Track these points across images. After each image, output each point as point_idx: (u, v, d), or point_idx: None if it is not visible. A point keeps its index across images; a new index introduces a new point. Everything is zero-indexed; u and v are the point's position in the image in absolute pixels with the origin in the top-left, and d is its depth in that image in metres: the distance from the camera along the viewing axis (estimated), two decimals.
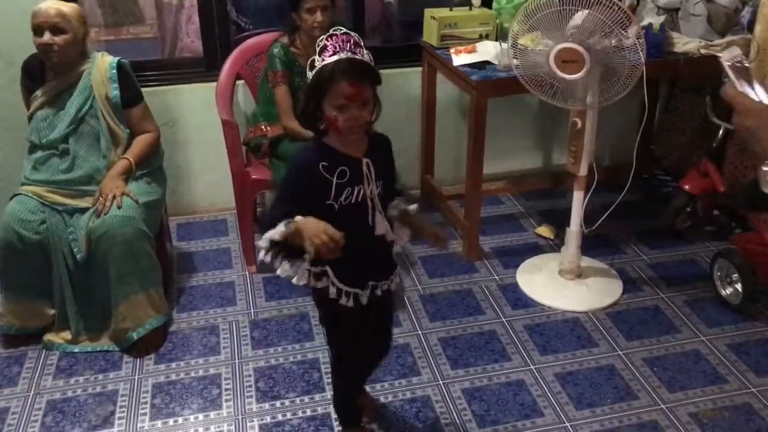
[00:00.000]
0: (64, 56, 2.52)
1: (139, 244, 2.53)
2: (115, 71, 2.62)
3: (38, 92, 2.60)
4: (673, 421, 2.32)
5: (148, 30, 5.14)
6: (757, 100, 1.16)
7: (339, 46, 1.67)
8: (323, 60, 1.67)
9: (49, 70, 2.60)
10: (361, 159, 1.76)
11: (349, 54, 1.67)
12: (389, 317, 2.13)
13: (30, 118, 2.61)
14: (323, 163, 1.72)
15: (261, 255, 1.76)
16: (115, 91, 2.62)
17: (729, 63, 1.22)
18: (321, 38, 1.69)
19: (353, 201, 1.76)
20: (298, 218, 1.69)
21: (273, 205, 1.79)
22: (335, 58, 1.66)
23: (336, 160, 1.73)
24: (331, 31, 1.69)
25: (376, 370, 2.30)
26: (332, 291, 1.84)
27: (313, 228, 1.66)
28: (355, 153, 1.76)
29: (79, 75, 2.59)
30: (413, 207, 1.96)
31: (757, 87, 1.18)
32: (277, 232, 1.70)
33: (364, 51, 1.70)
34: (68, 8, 2.51)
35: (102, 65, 2.62)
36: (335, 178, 1.73)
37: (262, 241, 1.73)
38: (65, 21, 2.49)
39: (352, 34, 1.70)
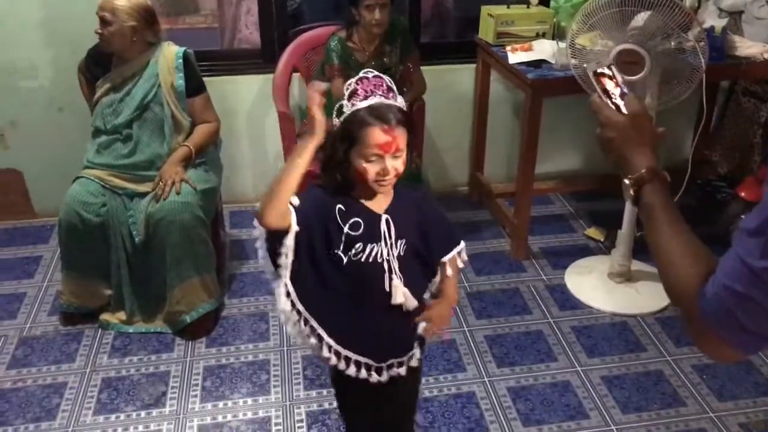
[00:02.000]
0: (111, 45, 2.61)
1: (196, 230, 2.60)
2: (181, 61, 2.69)
3: (104, 78, 2.68)
4: (722, 430, 2.29)
5: (203, 20, 5.23)
6: (618, 112, 1.15)
7: (371, 90, 1.50)
8: (353, 105, 1.49)
9: (116, 58, 2.68)
10: (379, 215, 1.56)
11: (382, 99, 1.50)
12: (408, 402, 1.85)
13: (95, 103, 2.70)
14: (340, 206, 1.53)
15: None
16: (180, 80, 2.69)
17: (593, 71, 1.20)
18: (350, 81, 1.52)
19: (364, 259, 1.55)
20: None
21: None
22: (366, 103, 1.49)
23: (353, 209, 1.54)
24: (361, 74, 1.52)
25: None
26: (333, 359, 1.61)
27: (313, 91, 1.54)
28: (375, 207, 1.57)
29: (145, 63, 2.66)
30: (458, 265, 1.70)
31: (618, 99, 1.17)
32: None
33: (398, 96, 1.53)
34: (122, 2, 2.57)
35: (168, 54, 2.69)
36: (347, 227, 1.53)
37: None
38: (112, 14, 2.55)
39: (385, 77, 1.53)
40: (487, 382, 2.48)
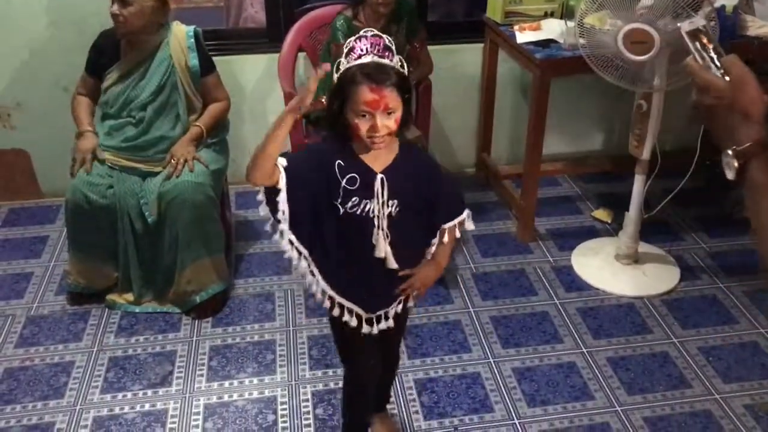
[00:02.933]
0: (130, 26, 2.57)
1: (208, 211, 2.60)
2: (193, 40, 2.68)
3: (114, 67, 2.65)
4: (727, 412, 2.29)
5: None
6: (719, 76, 1.02)
7: (367, 48, 1.55)
8: (348, 63, 1.55)
9: (125, 44, 2.65)
10: (375, 174, 1.63)
11: (376, 58, 1.54)
12: (396, 336, 1.99)
13: (105, 90, 2.68)
14: (340, 162, 1.61)
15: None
16: (194, 60, 2.67)
17: (687, 31, 1.10)
18: (349, 39, 1.58)
19: (359, 213, 1.63)
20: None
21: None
22: (360, 61, 1.54)
23: (352, 165, 1.62)
24: (361, 33, 1.57)
25: (386, 378, 2.12)
26: (327, 303, 1.74)
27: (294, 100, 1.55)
28: (374, 164, 1.63)
29: (157, 45, 2.64)
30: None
31: (716, 60, 1.06)
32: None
33: (395, 56, 1.57)
34: None
35: (179, 34, 2.67)
36: (344, 182, 1.60)
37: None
38: None
39: (384, 36, 1.57)
40: (493, 363, 2.48)
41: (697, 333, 2.64)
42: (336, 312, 1.75)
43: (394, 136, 1.60)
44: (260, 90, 3.41)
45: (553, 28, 3.02)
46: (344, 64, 1.56)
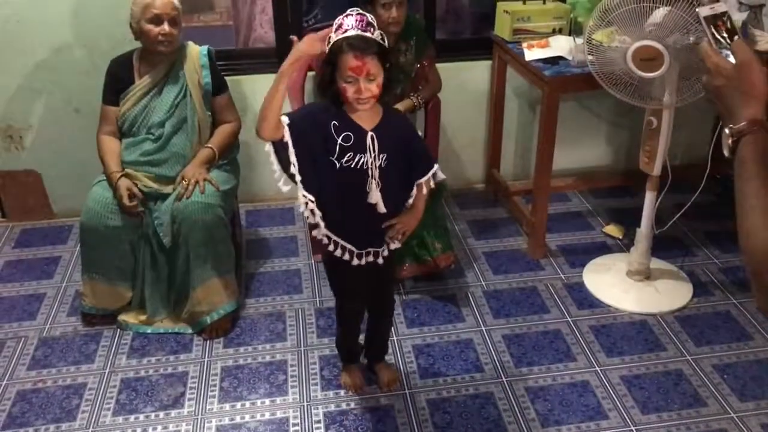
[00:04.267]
0: (174, 45, 2.62)
1: (218, 231, 2.61)
2: (206, 58, 2.71)
3: (130, 90, 2.67)
4: (743, 430, 2.27)
5: (217, 18, 5.23)
6: (728, 60, 1.11)
7: (352, 24, 1.83)
8: (336, 36, 1.84)
9: (140, 67, 2.68)
10: (366, 131, 1.92)
11: (359, 32, 1.82)
12: (385, 278, 2.27)
13: (123, 114, 2.69)
14: (335, 122, 1.90)
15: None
16: (207, 78, 2.70)
17: (705, 16, 1.16)
18: (338, 17, 1.85)
19: (353, 166, 1.92)
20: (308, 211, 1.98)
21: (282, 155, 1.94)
22: (347, 34, 1.82)
23: (345, 124, 1.91)
24: (347, 11, 1.84)
25: (382, 327, 2.41)
26: (324, 239, 2.04)
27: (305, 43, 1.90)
28: (364, 124, 1.93)
29: (173, 63, 2.68)
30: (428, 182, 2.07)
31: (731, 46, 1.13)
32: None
33: (376, 31, 1.85)
34: (177, 0, 2.61)
35: (193, 53, 2.71)
36: (340, 139, 1.90)
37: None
38: (179, 14, 2.61)
39: (367, 14, 1.85)
40: (506, 383, 2.47)
41: (711, 350, 2.62)
42: (331, 248, 2.05)
43: (377, 101, 1.90)
44: None
45: (561, 45, 3.03)
46: (333, 37, 1.85)
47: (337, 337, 2.48)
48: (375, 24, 1.86)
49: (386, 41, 1.90)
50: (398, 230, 2.09)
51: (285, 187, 1.98)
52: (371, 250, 2.09)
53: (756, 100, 1.07)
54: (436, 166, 2.07)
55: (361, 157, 1.92)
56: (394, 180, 2.01)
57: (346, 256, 2.07)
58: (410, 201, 2.09)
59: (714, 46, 1.14)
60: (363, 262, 2.08)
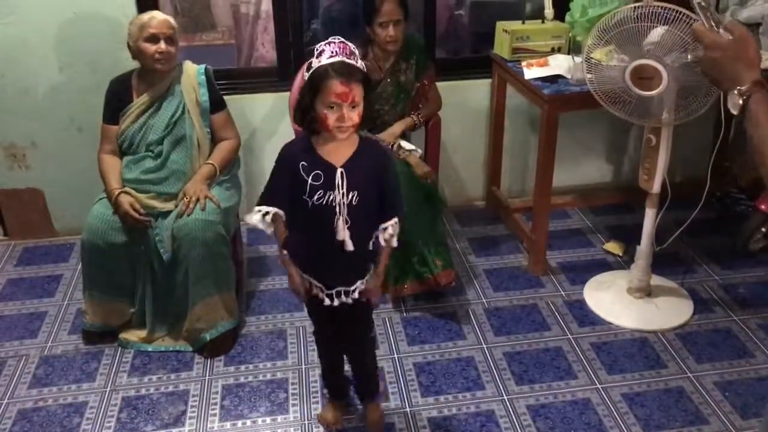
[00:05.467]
0: (171, 63, 2.67)
1: (218, 248, 2.61)
2: (203, 77, 2.75)
3: (129, 108, 2.70)
4: None
5: (219, 37, 5.27)
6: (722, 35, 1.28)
7: (336, 51, 1.79)
8: (320, 62, 1.79)
9: (138, 86, 2.71)
10: (335, 168, 1.87)
11: (344, 58, 1.79)
12: (357, 317, 2.17)
13: (122, 132, 2.72)
14: (303, 162, 1.87)
15: (250, 219, 1.93)
16: (204, 96, 2.73)
17: (698, 2, 1.34)
18: (319, 44, 1.82)
19: (324, 203, 1.88)
20: (286, 255, 2.00)
21: (264, 189, 1.95)
22: (331, 60, 1.78)
23: (315, 163, 1.87)
24: (330, 39, 1.82)
25: (360, 365, 2.31)
26: (297, 278, 2.02)
27: (291, 279, 2.03)
28: (333, 159, 1.88)
29: (170, 82, 2.71)
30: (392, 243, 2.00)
31: (721, 28, 1.30)
32: (255, 219, 1.91)
33: (358, 59, 1.83)
34: (172, 19, 2.67)
35: (191, 71, 2.75)
36: (310, 179, 1.86)
37: (250, 217, 1.94)
38: (175, 33, 2.65)
39: (349, 43, 1.82)
40: (507, 400, 2.47)
41: (713, 367, 2.62)
42: (307, 284, 2.03)
43: (355, 130, 1.85)
44: (271, 128, 3.45)
45: (560, 64, 3.05)
46: (316, 63, 1.80)
47: (321, 368, 2.40)
48: (357, 54, 1.83)
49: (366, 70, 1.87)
50: (373, 302, 2.12)
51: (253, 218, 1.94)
52: (341, 289, 2.02)
53: (755, 66, 1.26)
54: (394, 219, 1.97)
55: (330, 194, 1.87)
56: (364, 217, 1.93)
57: (320, 294, 2.03)
58: (371, 268, 2.05)
59: (707, 26, 1.31)
60: (335, 303, 2.02)
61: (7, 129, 3.27)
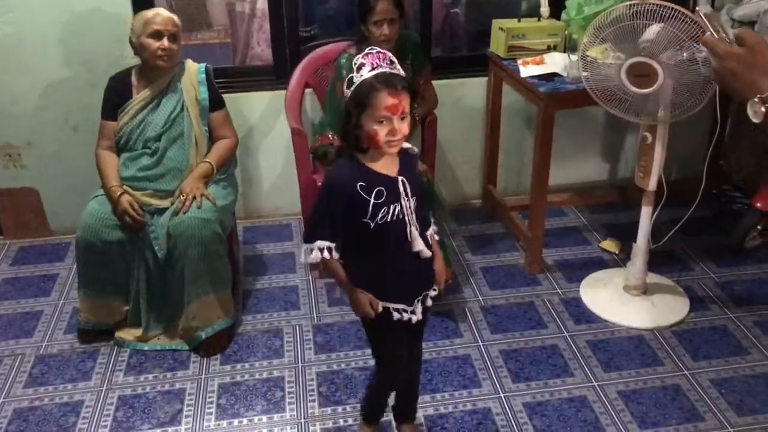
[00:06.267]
0: (173, 61, 2.67)
1: (214, 247, 2.61)
2: (204, 75, 2.75)
3: (128, 105, 2.70)
4: None
5: (215, 36, 5.26)
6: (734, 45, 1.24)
7: (376, 62, 1.70)
8: (362, 76, 1.70)
9: (139, 82, 2.71)
10: (396, 178, 1.79)
11: (387, 69, 1.70)
12: (420, 331, 2.10)
13: (120, 128, 2.71)
14: (361, 183, 1.75)
15: (309, 258, 1.82)
16: (204, 94, 2.74)
17: (704, 13, 1.31)
18: (357, 57, 1.73)
19: (389, 219, 1.78)
20: (344, 279, 1.85)
21: (312, 223, 1.84)
22: (374, 72, 1.69)
23: (373, 180, 1.76)
24: (366, 51, 1.73)
25: (411, 402, 2.25)
26: (380, 308, 1.87)
27: (359, 303, 1.85)
28: (390, 172, 1.79)
29: (171, 79, 2.71)
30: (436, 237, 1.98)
31: (731, 33, 1.27)
32: (315, 257, 1.79)
33: (398, 67, 1.73)
34: (175, 17, 2.67)
35: (191, 69, 2.75)
36: (372, 198, 1.75)
37: (306, 257, 1.82)
38: (179, 31, 2.66)
39: (387, 52, 1.73)
40: (503, 398, 2.47)
41: (709, 364, 2.62)
42: (376, 303, 1.86)
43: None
44: (268, 126, 3.45)
45: (556, 62, 3.05)
46: (357, 78, 1.70)
47: (370, 395, 2.22)
48: (396, 61, 1.74)
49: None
50: (441, 282, 1.99)
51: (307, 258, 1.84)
52: (420, 298, 1.92)
53: None
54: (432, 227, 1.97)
55: (395, 207, 1.78)
56: (420, 220, 1.88)
57: (404, 317, 1.89)
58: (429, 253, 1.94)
59: (716, 36, 1.26)
60: (418, 315, 1.92)
61: (3, 128, 3.26)
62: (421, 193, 1.89)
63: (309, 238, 1.81)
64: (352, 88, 1.71)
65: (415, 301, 1.91)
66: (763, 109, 1.20)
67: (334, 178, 1.82)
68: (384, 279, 1.87)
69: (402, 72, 1.73)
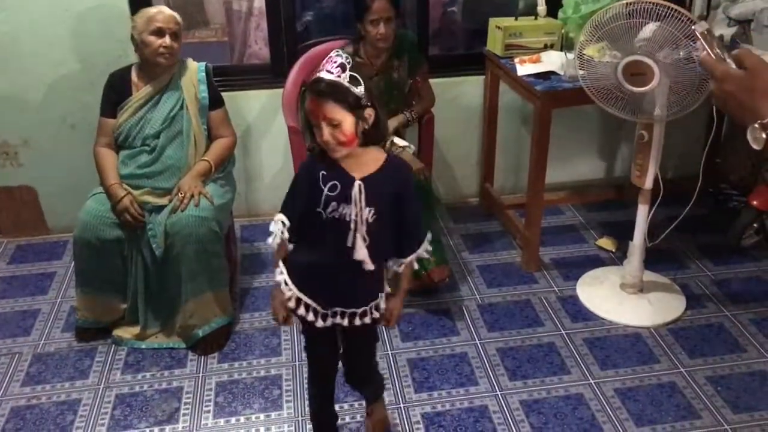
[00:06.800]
0: (174, 59, 2.68)
1: (212, 245, 2.61)
2: (203, 74, 2.76)
3: (127, 102, 2.70)
4: None
5: (212, 34, 5.27)
6: (733, 67, 1.17)
7: (328, 67, 1.70)
8: (316, 74, 1.73)
9: (138, 80, 2.72)
10: (354, 180, 1.75)
11: (327, 74, 1.68)
12: (358, 348, 2.06)
13: (119, 125, 2.71)
14: (323, 171, 1.76)
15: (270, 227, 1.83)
16: (203, 93, 2.74)
17: (701, 32, 1.23)
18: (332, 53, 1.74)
19: (338, 216, 1.76)
20: (278, 275, 1.86)
21: (284, 200, 1.86)
22: (315, 75, 1.72)
23: (334, 173, 1.76)
24: (331, 53, 1.73)
25: (368, 393, 2.24)
26: (291, 297, 1.86)
27: (274, 298, 1.89)
28: (354, 172, 1.76)
29: (171, 77, 2.72)
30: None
31: (727, 56, 1.20)
32: (275, 228, 1.81)
33: (347, 74, 1.68)
34: (177, 15, 2.68)
35: (192, 68, 2.76)
36: (326, 189, 1.75)
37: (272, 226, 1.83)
38: (180, 29, 2.67)
39: (344, 56, 1.71)
40: (500, 396, 2.47)
41: (705, 362, 2.63)
42: (292, 304, 1.86)
43: (354, 146, 1.73)
44: (265, 125, 3.45)
45: (552, 60, 3.06)
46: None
47: (310, 404, 2.23)
48: (348, 67, 1.69)
49: (361, 85, 1.70)
50: (390, 319, 1.93)
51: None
52: (338, 310, 1.88)
53: None
54: (422, 246, 1.89)
55: (344, 208, 1.75)
56: (382, 237, 1.81)
57: (309, 317, 1.88)
58: (387, 289, 1.93)
59: (714, 57, 1.20)
60: (328, 323, 1.89)
61: (0, 126, 3.26)
62: (409, 217, 1.84)
63: (280, 209, 1.84)
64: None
65: (332, 309, 1.87)
66: (763, 136, 1.13)
67: (306, 162, 1.86)
68: (312, 270, 1.85)
69: (345, 79, 1.68)
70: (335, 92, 1.67)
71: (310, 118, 1.70)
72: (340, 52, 1.73)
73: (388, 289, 1.95)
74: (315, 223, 1.78)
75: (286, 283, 1.86)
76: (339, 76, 1.68)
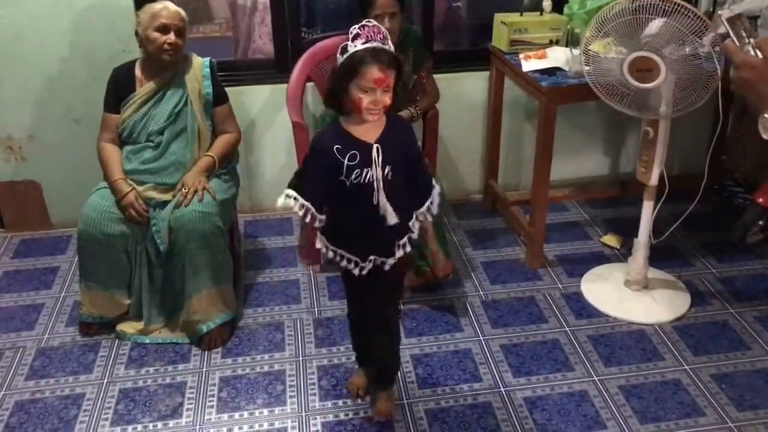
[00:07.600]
0: (178, 55, 2.67)
1: (215, 240, 2.61)
2: (208, 69, 2.75)
3: (132, 98, 2.69)
4: None
5: (216, 29, 5.25)
6: (754, 55, 1.19)
7: (371, 36, 1.83)
8: (356, 46, 1.83)
9: (143, 75, 2.71)
10: (371, 144, 1.92)
11: (379, 44, 1.84)
12: (392, 286, 2.23)
13: (123, 121, 2.71)
14: (337, 146, 1.91)
15: (279, 202, 1.99)
16: (208, 89, 2.74)
17: (728, 17, 1.25)
18: (353, 27, 1.84)
19: (362, 181, 1.92)
20: (318, 243, 2.05)
21: (296, 175, 2.02)
22: (368, 45, 1.82)
23: (349, 144, 1.91)
24: (363, 22, 1.84)
25: (386, 371, 2.37)
26: (331, 255, 2.06)
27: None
28: (367, 138, 1.93)
29: (175, 72, 2.71)
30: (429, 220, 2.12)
31: (752, 43, 1.22)
32: (281, 202, 1.98)
33: (390, 44, 1.87)
34: (182, 11, 2.67)
35: (196, 63, 2.75)
36: (346, 160, 1.90)
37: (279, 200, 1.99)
38: (185, 25, 2.66)
39: (381, 27, 1.87)
40: (503, 392, 2.47)
41: (709, 359, 2.62)
42: (337, 259, 2.06)
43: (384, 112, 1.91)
44: (269, 120, 3.45)
45: (558, 56, 3.05)
46: (351, 47, 1.83)
47: (352, 341, 2.50)
48: (389, 37, 1.88)
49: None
50: (438, 268, 2.26)
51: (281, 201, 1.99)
52: (374, 258, 2.05)
53: None
54: (433, 192, 2.07)
55: (368, 171, 1.92)
56: (400, 190, 2.00)
57: (351, 266, 2.06)
58: (415, 234, 2.08)
59: (737, 44, 1.23)
60: (366, 271, 2.06)
61: (4, 121, 3.26)
62: (414, 163, 2.03)
63: (289, 184, 1.98)
64: (345, 56, 1.85)
65: (368, 259, 2.04)
66: None
67: (317, 142, 2.02)
68: (344, 229, 2.03)
69: (392, 49, 1.86)
70: (396, 61, 1.86)
71: (368, 85, 1.82)
72: (373, 21, 1.87)
73: (414, 234, 2.09)
74: (339, 193, 1.94)
75: (327, 248, 2.06)
76: (389, 47, 1.86)
